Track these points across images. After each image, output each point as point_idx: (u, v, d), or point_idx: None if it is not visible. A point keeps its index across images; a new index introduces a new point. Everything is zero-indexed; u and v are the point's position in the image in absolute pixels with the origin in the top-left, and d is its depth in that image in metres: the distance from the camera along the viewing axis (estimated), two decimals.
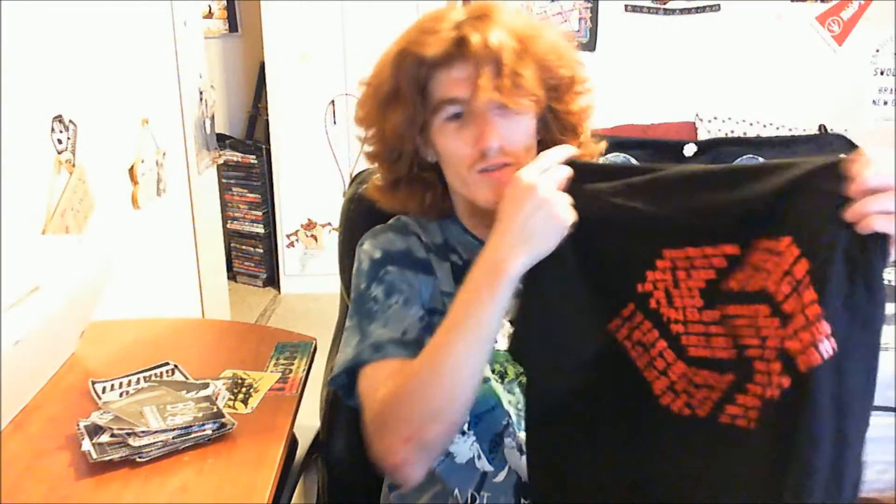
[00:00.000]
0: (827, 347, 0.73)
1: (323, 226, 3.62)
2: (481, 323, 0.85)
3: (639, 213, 0.85)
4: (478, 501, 0.98)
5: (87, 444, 0.87)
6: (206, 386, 1.02)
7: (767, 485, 0.76)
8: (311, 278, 3.60)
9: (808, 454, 0.75)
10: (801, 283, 0.74)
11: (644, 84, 3.68)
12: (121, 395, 1.01)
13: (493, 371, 0.99)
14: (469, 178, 0.98)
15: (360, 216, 1.20)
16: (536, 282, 0.87)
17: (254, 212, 3.76)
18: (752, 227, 0.80)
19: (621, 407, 0.88)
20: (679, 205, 0.84)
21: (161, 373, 1.07)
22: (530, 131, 0.99)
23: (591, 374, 0.89)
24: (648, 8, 3.75)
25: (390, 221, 1.10)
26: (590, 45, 3.67)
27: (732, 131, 3.77)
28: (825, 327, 0.73)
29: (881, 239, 0.73)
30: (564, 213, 0.84)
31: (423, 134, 1.02)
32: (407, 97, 0.98)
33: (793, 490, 0.75)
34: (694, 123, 3.81)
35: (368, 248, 1.05)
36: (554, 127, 1.02)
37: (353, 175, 1.32)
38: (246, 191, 3.74)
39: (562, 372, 0.90)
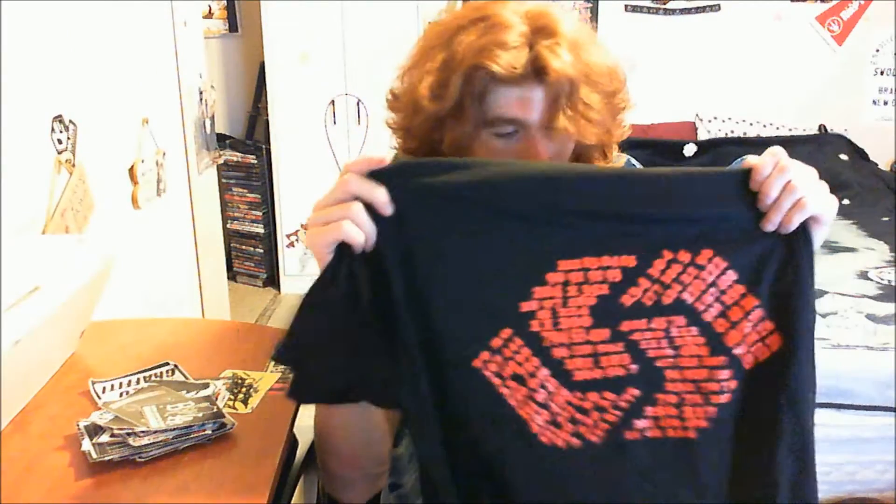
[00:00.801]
0: (771, 343, 0.77)
1: None
2: None
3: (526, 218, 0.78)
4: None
5: (87, 444, 0.87)
6: (206, 386, 1.02)
7: (725, 484, 0.78)
8: (311, 278, 3.56)
9: (772, 447, 0.77)
10: (727, 291, 0.78)
11: (644, 84, 3.69)
12: (121, 395, 1.01)
13: None
14: None
15: None
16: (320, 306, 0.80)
17: (254, 212, 3.76)
18: (656, 238, 0.78)
19: (501, 453, 0.80)
20: (571, 207, 0.78)
21: (161, 373, 1.07)
22: (568, 150, 1.01)
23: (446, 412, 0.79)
24: (648, 8, 3.75)
25: None
26: None
27: (732, 131, 3.77)
28: (768, 325, 0.77)
29: (803, 228, 0.79)
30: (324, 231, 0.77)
31: (451, 133, 1.02)
32: (469, 113, 0.96)
33: (763, 487, 0.77)
34: (694, 123, 3.81)
35: None
36: (593, 148, 1.04)
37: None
38: (246, 191, 3.74)
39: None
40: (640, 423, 0.79)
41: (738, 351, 0.78)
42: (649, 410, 0.79)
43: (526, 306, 0.78)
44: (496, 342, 0.79)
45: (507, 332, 0.79)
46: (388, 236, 0.76)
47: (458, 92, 0.95)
